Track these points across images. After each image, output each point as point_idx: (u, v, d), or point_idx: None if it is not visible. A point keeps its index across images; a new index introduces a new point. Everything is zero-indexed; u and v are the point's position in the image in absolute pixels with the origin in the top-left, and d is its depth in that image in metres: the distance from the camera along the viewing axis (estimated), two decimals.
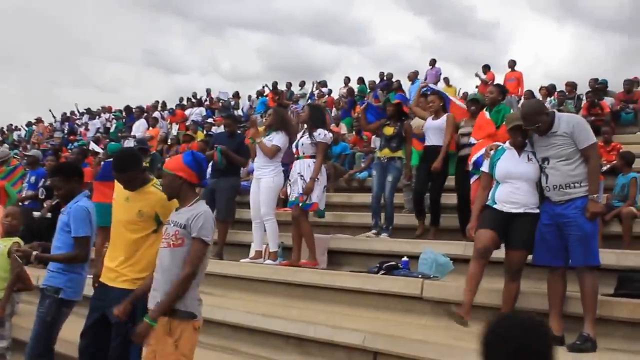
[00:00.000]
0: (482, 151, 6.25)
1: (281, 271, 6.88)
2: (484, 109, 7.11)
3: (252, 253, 7.64)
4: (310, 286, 6.55)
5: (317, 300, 6.42)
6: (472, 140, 7.00)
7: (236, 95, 20.31)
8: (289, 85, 19.64)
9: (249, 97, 19.94)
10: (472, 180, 6.87)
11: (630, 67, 51.26)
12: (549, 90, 14.64)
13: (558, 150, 4.78)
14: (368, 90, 17.93)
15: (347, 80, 19.03)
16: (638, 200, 7.17)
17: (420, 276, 6.00)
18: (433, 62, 17.92)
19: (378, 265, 6.45)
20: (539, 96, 14.59)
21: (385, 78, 18.27)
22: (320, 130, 7.05)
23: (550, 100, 13.95)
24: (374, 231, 7.72)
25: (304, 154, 7.01)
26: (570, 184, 4.74)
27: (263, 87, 19.35)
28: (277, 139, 7.36)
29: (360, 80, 18.94)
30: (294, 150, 7.15)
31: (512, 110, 7.76)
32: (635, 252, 5.97)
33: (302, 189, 6.88)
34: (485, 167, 5.21)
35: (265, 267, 7.07)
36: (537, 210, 4.95)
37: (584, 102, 13.77)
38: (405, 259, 6.46)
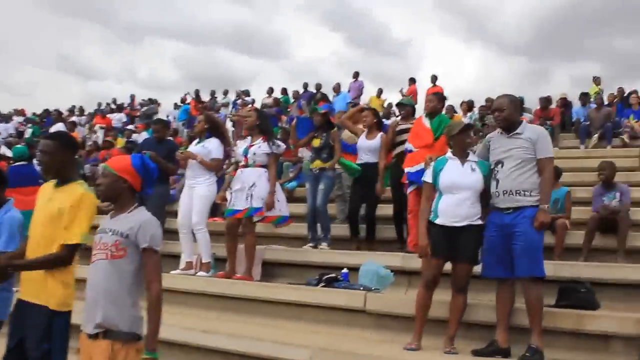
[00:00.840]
0: (419, 167, 6.28)
1: (216, 283, 6.54)
2: (425, 116, 7.01)
3: (182, 264, 7.24)
4: (247, 299, 6.26)
5: (256, 314, 6.14)
6: (409, 146, 6.92)
7: (155, 102, 19.67)
8: (212, 93, 19.20)
9: (175, 104, 19.34)
10: (408, 191, 6.82)
11: (531, 88, 54.16)
12: (469, 105, 14.96)
13: (517, 152, 4.73)
14: (292, 101, 17.82)
15: (271, 90, 18.84)
16: None
17: (362, 288, 5.84)
18: (356, 75, 18.03)
19: (318, 277, 6.24)
20: (460, 111, 14.90)
21: (306, 89, 18.19)
22: (278, 142, 6.83)
23: (470, 115, 14.23)
24: (310, 244, 7.49)
25: (254, 162, 6.69)
26: (520, 191, 4.69)
27: (185, 95, 18.83)
28: (214, 150, 7.01)
29: (284, 91, 18.80)
30: (241, 157, 6.81)
31: None
32: (571, 263, 6.05)
33: (251, 199, 6.56)
34: (428, 177, 5.04)
35: (199, 279, 6.70)
36: (480, 222, 4.89)
37: None
38: (345, 270, 6.29)
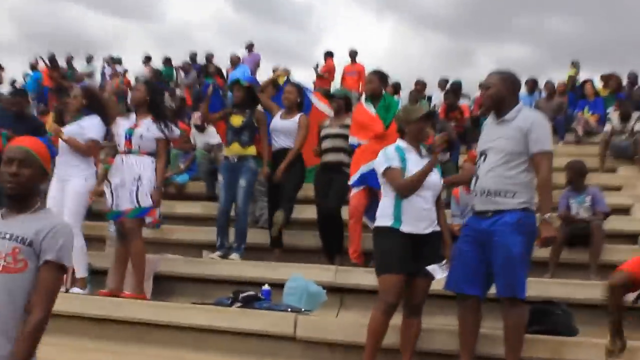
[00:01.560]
0: (370, 165, 6.29)
1: (97, 303, 6.22)
2: (365, 101, 7.09)
3: None
4: (139, 323, 6.00)
5: (150, 343, 5.90)
6: (354, 141, 6.98)
7: None
8: (69, 59, 18.39)
9: (25, 74, 18.37)
10: (352, 194, 6.89)
11: (451, 69, 55.76)
12: (395, 88, 15.23)
13: (503, 143, 4.69)
14: (177, 75, 17.50)
15: (147, 59, 18.35)
16: None
17: (289, 310, 5.79)
18: (250, 47, 17.98)
19: (232, 295, 6.09)
20: None
21: (194, 60, 17.87)
22: (169, 123, 6.59)
23: (398, 100, 14.46)
24: (219, 253, 7.31)
25: (139, 148, 6.42)
26: (501, 192, 4.65)
27: (36, 59, 17.96)
28: (91, 128, 6.68)
29: (167, 61, 18.38)
30: (122, 140, 6.51)
31: None
32: (535, 279, 6.18)
33: (137, 196, 6.28)
34: (396, 162, 4.94)
35: (73, 298, 6.33)
36: (438, 228, 4.95)
37: (435, 103, 14.53)
38: (266, 287, 6.20)
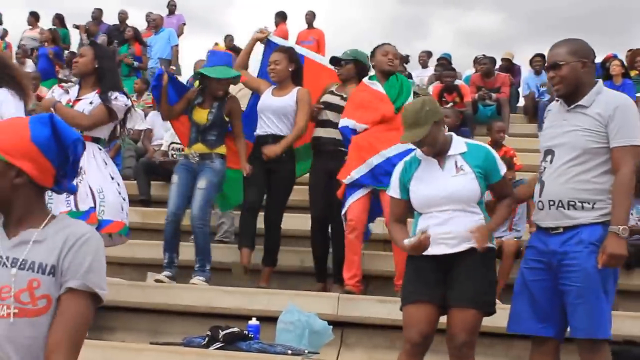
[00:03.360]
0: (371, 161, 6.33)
1: None
2: (369, 79, 6.91)
3: None
4: None
5: None
6: (349, 123, 6.72)
7: None
8: None
9: None
10: (351, 199, 6.64)
11: (403, 41, 55.34)
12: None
13: (577, 138, 4.45)
14: (80, 39, 17.03)
15: (35, 17, 17.69)
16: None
17: (290, 352, 5.55)
18: (173, 7, 17.77)
19: (209, 333, 5.77)
20: None
21: (98, 19, 17.37)
22: (115, 93, 6.20)
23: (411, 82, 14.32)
24: (167, 273, 6.94)
25: (81, 131, 5.96)
26: (576, 202, 4.44)
27: None
28: (8, 105, 6.17)
29: (59, 21, 17.83)
30: None
31: None
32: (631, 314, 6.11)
33: (74, 195, 5.85)
34: (394, 191, 5.00)
35: None
36: (490, 244, 4.77)
37: (426, 81, 14.40)
38: (254, 322, 5.90)
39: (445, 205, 4.73)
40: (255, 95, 7.57)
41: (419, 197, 4.82)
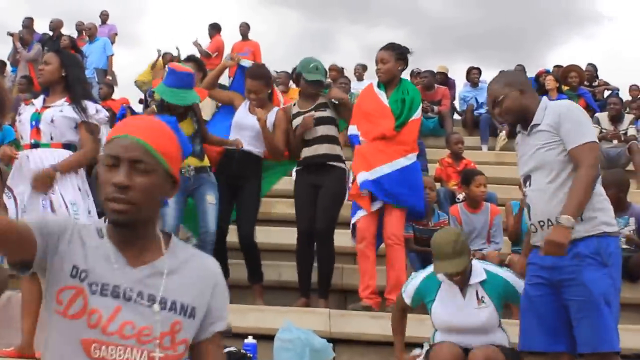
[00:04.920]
0: (378, 171, 6.08)
1: None
2: (378, 86, 6.45)
3: None
4: None
5: None
6: (352, 131, 6.42)
7: None
8: None
9: None
10: (356, 216, 6.31)
11: (307, 52, 55.27)
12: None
13: (542, 156, 4.38)
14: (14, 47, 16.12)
15: None
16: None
17: None
18: (105, 17, 17.20)
19: None
20: None
21: (29, 27, 16.51)
22: (92, 105, 5.63)
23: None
24: None
25: (51, 138, 5.44)
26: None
27: None
28: None
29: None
30: (26, 130, 5.50)
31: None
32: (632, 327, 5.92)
33: (52, 207, 5.28)
34: (408, 298, 5.09)
35: None
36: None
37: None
38: (250, 340, 5.43)
39: (467, 333, 4.83)
40: (225, 107, 7.13)
41: (441, 321, 4.90)
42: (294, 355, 5.28)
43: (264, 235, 7.00)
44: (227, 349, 5.29)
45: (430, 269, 4.96)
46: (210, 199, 6.45)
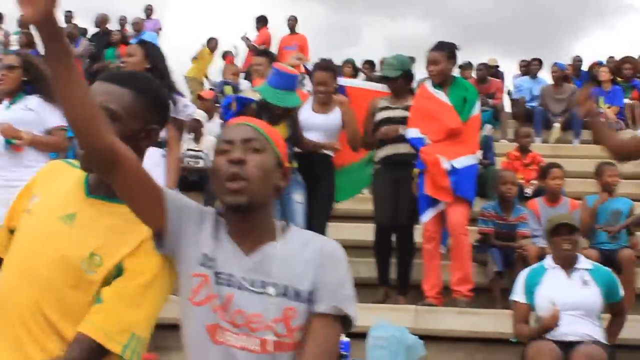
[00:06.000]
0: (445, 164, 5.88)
1: None
2: (433, 86, 6.21)
3: None
4: None
5: None
6: (413, 133, 6.10)
7: None
8: None
9: None
10: (426, 217, 6.07)
11: (334, 48, 54.83)
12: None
13: None
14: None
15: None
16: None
17: None
18: (150, 11, 17.05)
19: None
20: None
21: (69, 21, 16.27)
22: (181, 98, 5.52)
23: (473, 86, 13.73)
24: None
25: None
26: None
27: None
28: (47, 113, 5.39)
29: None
30: None
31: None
32: None
33: None
34: (519, 296, 5.03)
35: None
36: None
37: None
38: (344, 338, 5.12)
39: (570, 311, 4.73)
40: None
41: (545, 300, 4.82)
42: (388, 353, 5.05)
43: (334, 231, 6.73)
44: None
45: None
46: (299, 198, 6.29)
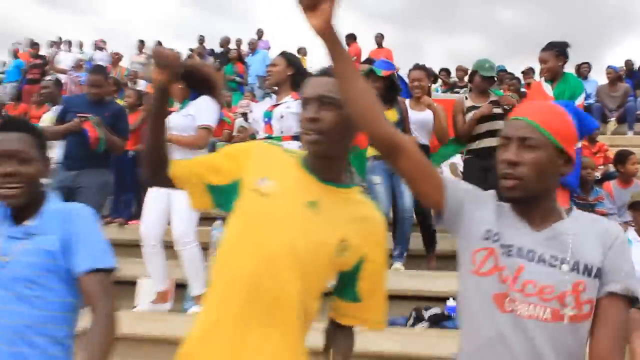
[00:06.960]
0: None
1: None
2: (545, 82, 6.48)
3: (147, 295, 6.03)
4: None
5: None
6: None
7: None
8: (54, 43, 17.18)
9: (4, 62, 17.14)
10: None
11: (401, 61, 54.82)
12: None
13: None
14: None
15: (142, 44, 17.16)
16: None
17: None
18: (261, 33, 17.63)
19: (413, 313, 5.32)
20: None
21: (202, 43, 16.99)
22: None
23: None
24: None
25: (282, 133, 5.50)
26: None
27: (15, 46, 16.82)
28: (202, 113, 5.69)
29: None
30: (261, 125, 5.64)
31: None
32: None
33: None
34: None
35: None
36: None
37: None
38: (451, 303, 5.40)
39: None
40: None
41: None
42: None
43: None
44: (431, 311, 5.33)
45: None
46: (377, 179, 6.41)
